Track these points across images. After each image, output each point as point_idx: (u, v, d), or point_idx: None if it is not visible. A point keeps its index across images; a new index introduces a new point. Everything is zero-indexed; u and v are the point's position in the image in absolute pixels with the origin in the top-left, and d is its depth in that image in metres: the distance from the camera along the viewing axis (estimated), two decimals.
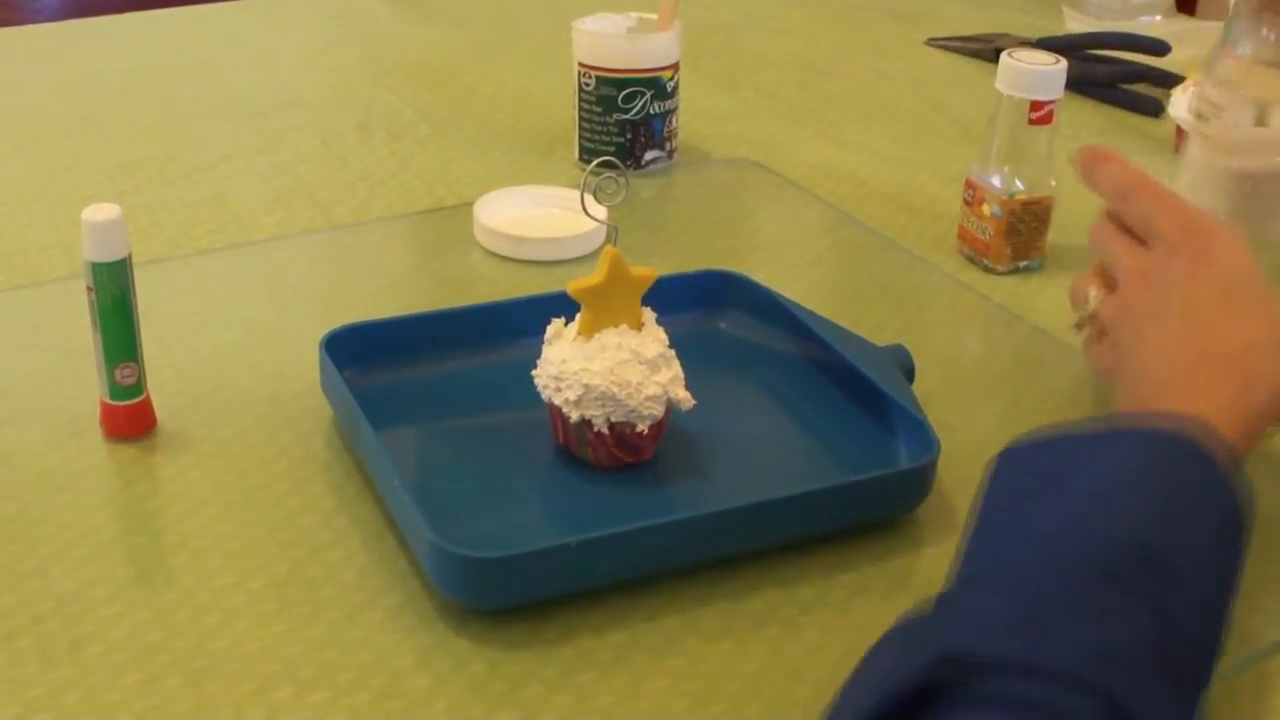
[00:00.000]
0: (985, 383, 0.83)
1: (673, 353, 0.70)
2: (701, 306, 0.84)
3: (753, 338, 0.83)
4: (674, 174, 1.10)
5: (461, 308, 0.82)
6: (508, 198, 1.01)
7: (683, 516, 0.66)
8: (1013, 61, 0.91)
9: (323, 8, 1.51)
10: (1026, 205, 0.93)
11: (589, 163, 1.07)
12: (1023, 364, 0.86)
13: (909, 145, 1.19)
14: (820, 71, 1.37)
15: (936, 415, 0.74)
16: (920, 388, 0.77)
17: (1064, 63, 0.92)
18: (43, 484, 0.71)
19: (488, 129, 1.18)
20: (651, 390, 0.68)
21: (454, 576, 0.62)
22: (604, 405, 0.68)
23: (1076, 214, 1.04)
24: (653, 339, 0.69)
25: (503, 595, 0.63)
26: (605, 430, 0.69)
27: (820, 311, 0.82)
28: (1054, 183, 0.94)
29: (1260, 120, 0.84)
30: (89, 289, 0.71)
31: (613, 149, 1.07)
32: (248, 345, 0.84)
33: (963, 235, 0.98)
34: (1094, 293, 0.76)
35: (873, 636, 0.62)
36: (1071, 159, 0.78)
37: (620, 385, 0.68)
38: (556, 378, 0.69)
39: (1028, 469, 0.60)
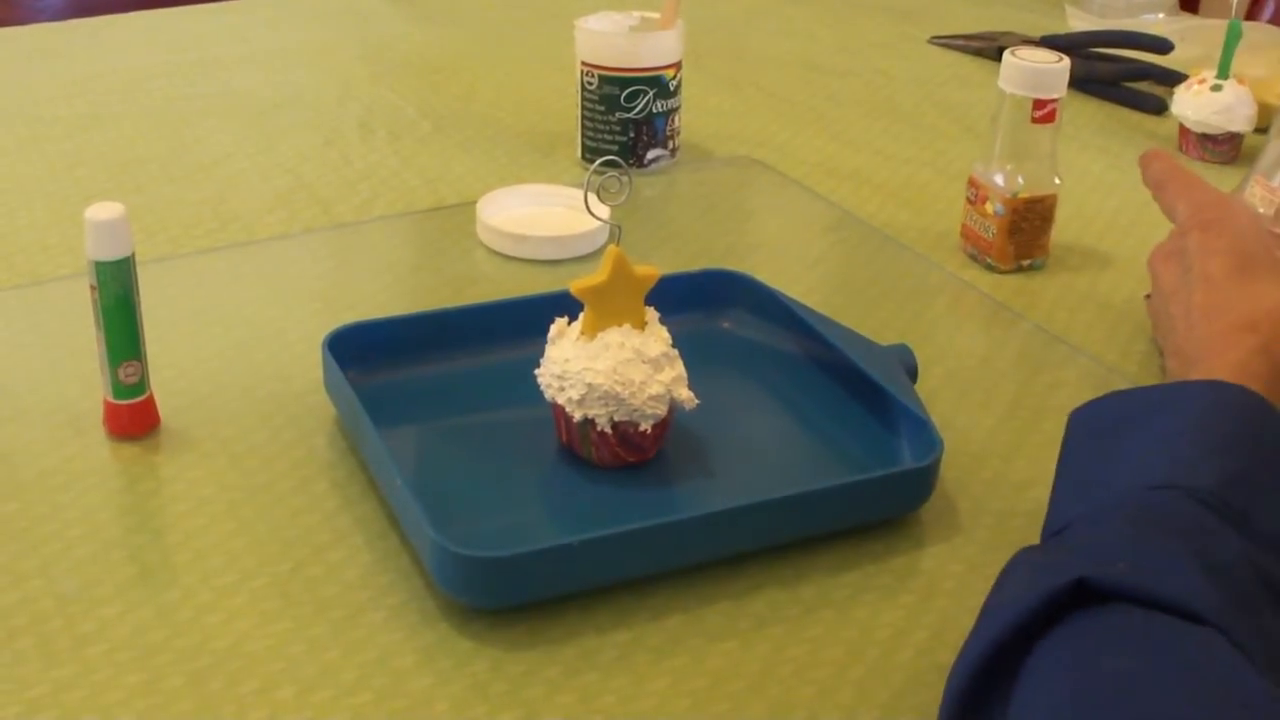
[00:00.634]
0: (988, 382, 0.83)
1: (676, 352, 0.70)
2: (704, 306, 0.84)
3: (756, 337, 0.83)
4: (676, 173, 1.10)
5: (464, 307, 0.82)
6: (510, 196, 1.01)
7: (686, 516, 0.65)
8: (1016, 60, 0.91)
9: (325, 7, 1.51)
10: (1029, 204, 0.93)
11: (591, 161, 1.07)
12: (1026, 363, 0.86)
13: (912, 144, 1.19)
14: (823, 70, 1.36)
15: (939, 414, 0.74)
16: (923, 387, 0.77)
17: (1067, 61, 0.91)
18: (45, 483, 0.71)
19: (490, 128, 1.18)
20: (655, 389, 0.68)
21: (457, 576, 0.62)
22: (607, 404, 0.68)
23: (1079, 212, 1.05)
24: (656, 338, 0.69)
25: (505, 594, 0.63)
26: (608, 429, 0.69)
27: (823, 310, 0.82)
28: (1057, 181, 0.94)
29: None
30: (92, 288, 0.71)
31: (615, 148, 1.07)
32: (250, 344, 0.84)
33: (966, 234, 0.98)
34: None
35: (876, 635, 0.63)
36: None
37: (623, 384, 0.67)
38: (560, 377, 0.69)
39: (1107, 415, 0.64)
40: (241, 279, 0.93)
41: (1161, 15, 1.49)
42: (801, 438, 0.76)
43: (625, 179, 0.71)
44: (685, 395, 0.70)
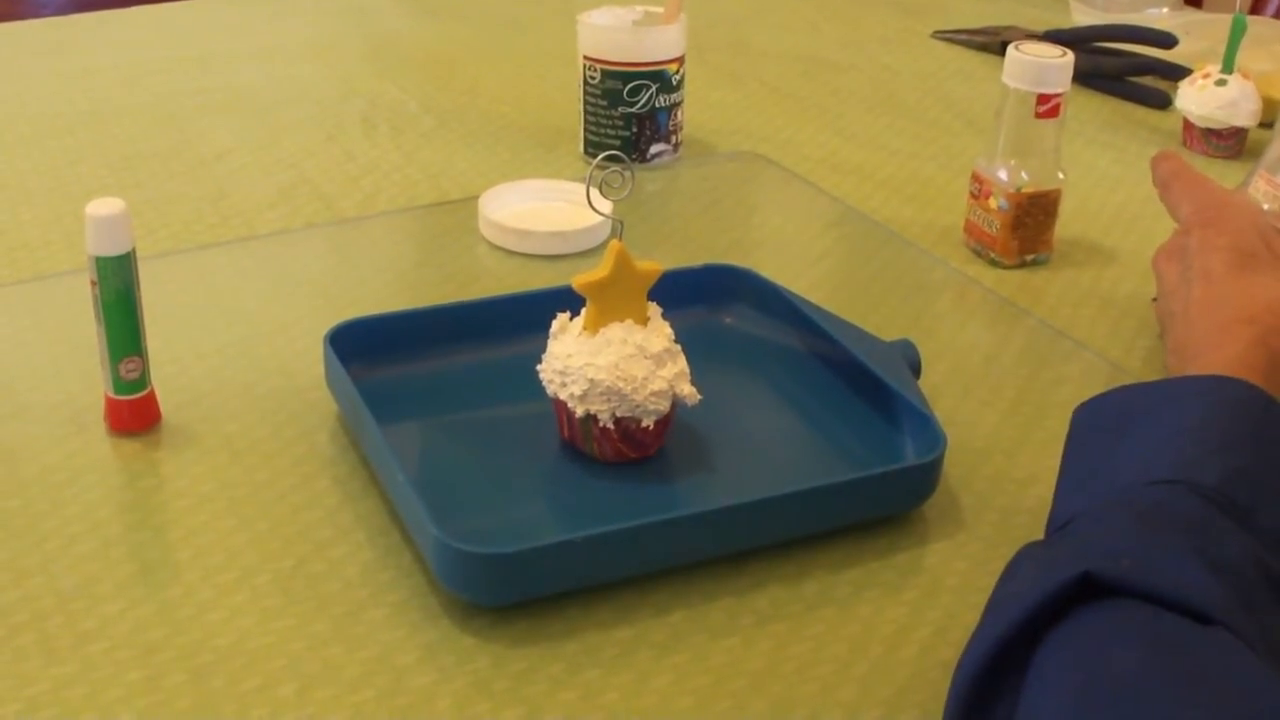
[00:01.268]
0: (992, 378, 0.83)
1: (678, 347, 0.70)
2: (707, 301, 0.84)
3: (759, 332, 0.83)
4: (679, 168, 1.10)
5: (466, 302, 0.82)
6: (512, 191, 1.00)
7: (688, 512, 0.65)
8: (1019, 54, 0.91)
9: (327, 2, 1.51)
10: (1033, 199, 0.93)
11: (594, 156, 1.07)
12: (1030, 359, 0.86)
13: (915, 139, 1.18)
14: (826, 65, 1.36)
15: (943, 410, 0.74)
16: (927, 383, 0.77)
17: (1071, 55, 0.91)
18: (46, 479, 0.71)
19: (492, 123, 1.18)
20: (657, 385, 0.68)
21: (459, 572, 0.62)
22: (609, 400, 0.68)
23: (1083, 207, 1.04)
24: (658, 334, 0.69)
25: (507, 591, 0.63)
26: (610, 425, 0.69)
27: (826, 306, 0.82)
28: (1061, 176, 0.93)
29: None
30: (93, 283, 0.71)
31: (618, 142, 1.07)
32: (252, 340, 0.84)
33: (969, 229, 0.97)
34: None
35: (879, 632, 0.63)
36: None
37: (626, 380, 0.67)
38: (562, 372, 0.68)
39: (1111, 410, 0.64)
40: (243, 274, 0.93)
41: (1166, 10, 1.48)
42: (804, 434, 0.76)
43: (628, 174, 0.71)
44: (688, 391, 0.70)
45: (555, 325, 0.70)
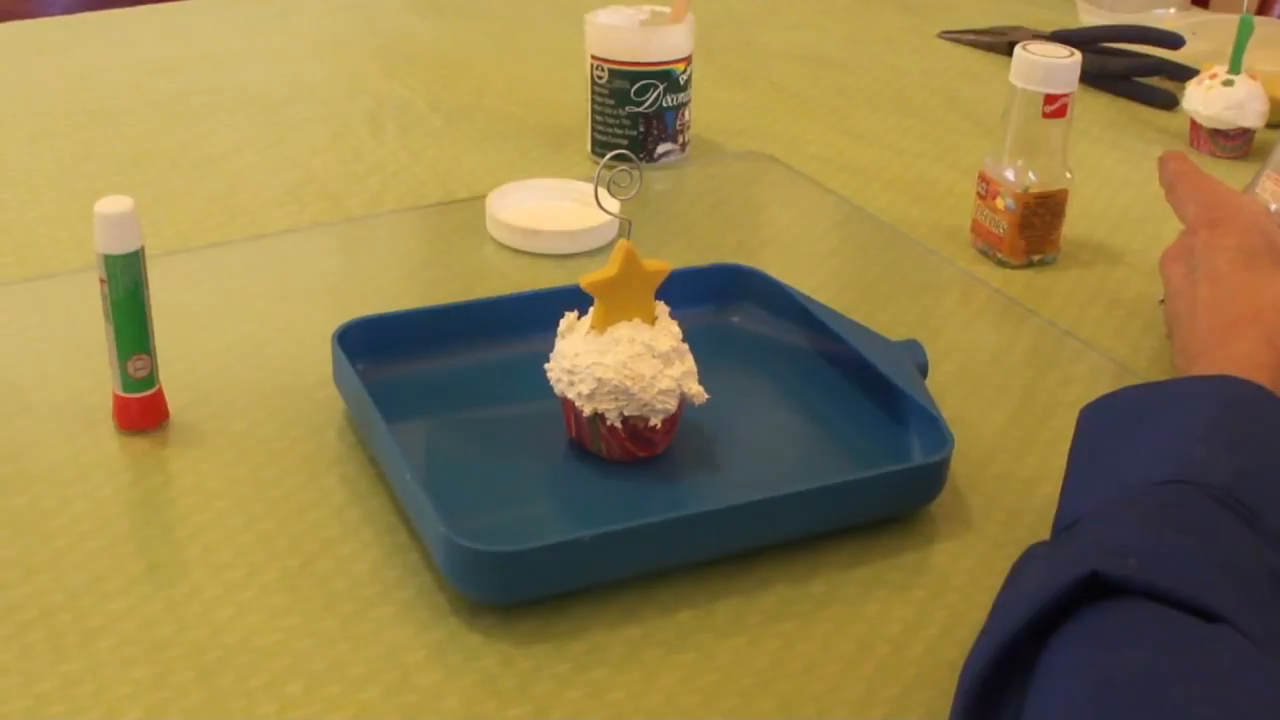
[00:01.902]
0: (999, 378, 0.83)
1: (686, 347, 0.70)
2: (715, 300, 0.84)
3: (766, 332, 0.83)
4: (687, 167, 1.10)
5: (474, 301, 0.82)
6: (520, 191, 1.00)
7: (695, 511, 0.65)
8: (1027, 54, 0.91)
9: (334, 1, 1.51)
10: (1040, 199, 0.93)
11: (601, 156, 1.07)
12: (1037, 359, 0.86)
13: (922, 138, 1.18)
14: (833, 64, 1.36)
15: (950, 410, 0.74)
16: (933, 382, 0.77)
17: (1078, 55, 0.91)
18: (55, 477, 0.71)
19: (500, 122, 1.18)
20: (665, 384, 0.68)
21: (466, 571, 0.62)
22: (617, 399, 0.68)
23: (1090, 207, 1.04)
24: (666, 333, 0.69)
25: (515, 590, 0.63)
26: (618, 424, 0.69)
27: (833, 306, 0.82)
28: (1068, 176, 0.93)
29: None
30: (102, 281, 0.71)
31: (625, 142, 1.07)
32: (260, 338, 0.84)
33: (976, 229, 0.97)
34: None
35: (886, 632, 0.63)
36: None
37: (633, 379, 0.67)
38: (569, 371, 0.68)
39: (1118, 410, 0.64)
40: (251, 273, 0.93)
41: (1173, 10, 1.48)
42: (811, 433, 0.76)
43: (635, 173, 0.71)
44: (695, 390, 0.70)
45: (563, 324, 0.70)
